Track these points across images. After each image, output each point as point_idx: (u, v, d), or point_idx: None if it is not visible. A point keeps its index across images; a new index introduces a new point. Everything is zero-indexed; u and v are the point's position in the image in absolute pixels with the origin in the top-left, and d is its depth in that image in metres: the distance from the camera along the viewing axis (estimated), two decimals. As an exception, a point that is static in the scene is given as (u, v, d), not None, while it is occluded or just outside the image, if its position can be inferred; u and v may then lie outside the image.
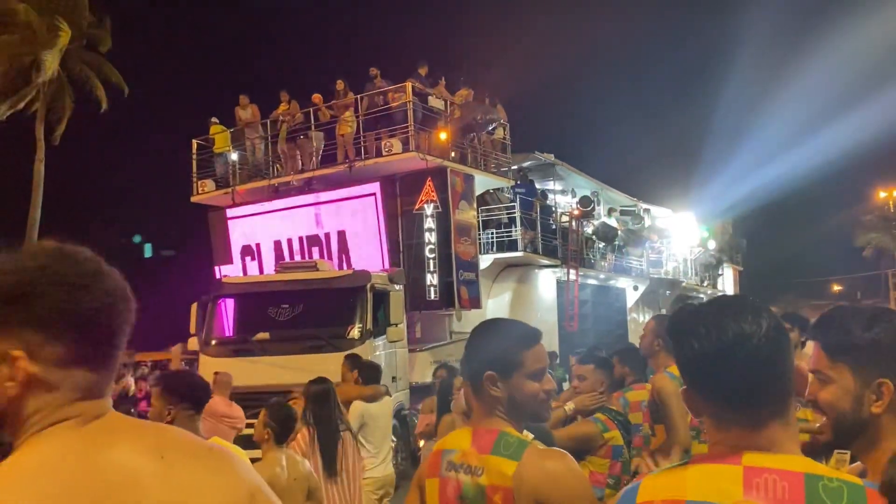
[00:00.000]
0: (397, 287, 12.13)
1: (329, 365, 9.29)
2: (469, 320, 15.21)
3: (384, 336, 10.81)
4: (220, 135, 15.58)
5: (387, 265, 13.11)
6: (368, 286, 10.84)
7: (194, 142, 15.85)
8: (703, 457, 1.30)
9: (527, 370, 2.12)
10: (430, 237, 13.62)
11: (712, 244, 25.56)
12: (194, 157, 15.87)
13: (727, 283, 28.14)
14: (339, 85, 14.21)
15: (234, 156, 15.57)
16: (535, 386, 2.13)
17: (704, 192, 25.31)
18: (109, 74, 20.91)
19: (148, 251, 30.06)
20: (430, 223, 13.61)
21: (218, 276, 14.08)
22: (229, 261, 14.99)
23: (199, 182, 15.74)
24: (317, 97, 14.21)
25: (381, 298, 10.97)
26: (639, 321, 22.24)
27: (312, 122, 14.33)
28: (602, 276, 19.79)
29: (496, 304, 16.28)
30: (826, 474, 1.21)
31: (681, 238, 24.13)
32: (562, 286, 17.72)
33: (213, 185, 15.60)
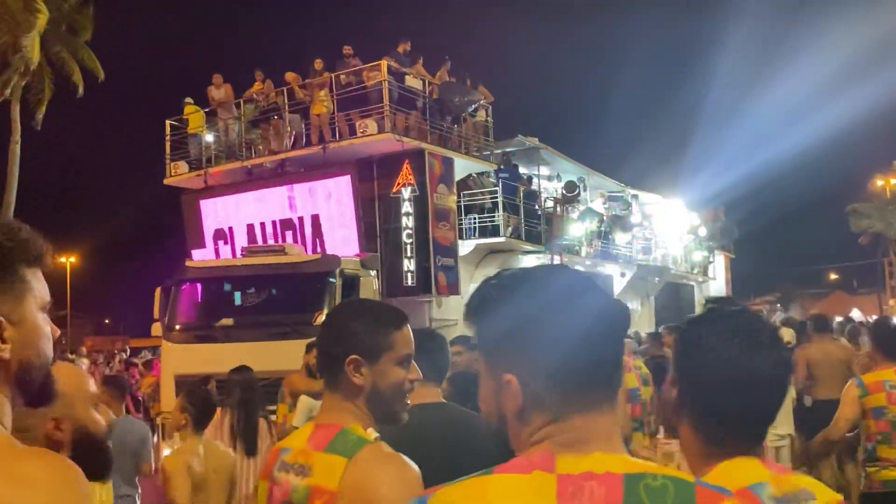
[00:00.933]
0: (371, 272, 11.78)
1: (295, 352, 8.99)
2: (449, 307, 14.88)
3: (354, 323, 10.43)
4: (193, 115, 15.12)
5: (361, 250, 12.73)
6: (337, 271, 10.48)
7: (167, 122, 15.39)
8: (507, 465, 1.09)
9: (396, 354, 1.91)
10: (408, 222, 13.22)
11: (703, 231, 25.18)
12: (167, 138, 15.42)
13: (718, 270, 27.79)
14: (318, 64, 13.76)
15: (210, 137, 15.14)
16: (401, 374, 1.90)
17: (695, 179, 24.93)
18: (87, 60, 20.40)
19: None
20: (407, 207, 13.21)
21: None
22: (202, 245, 14.59)
23: (172, 164, 15.31)
24: (291, 75, 13.77)
25: (351, 284, 10.61)
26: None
27: (286, 101, 13.88)
28: (588, 262, 19.42)
29: (478, 290, 15.92)
30: (650, 471, 1.06)
31: (670, 225, 23.75)
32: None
33: (187, 167, 15.17)
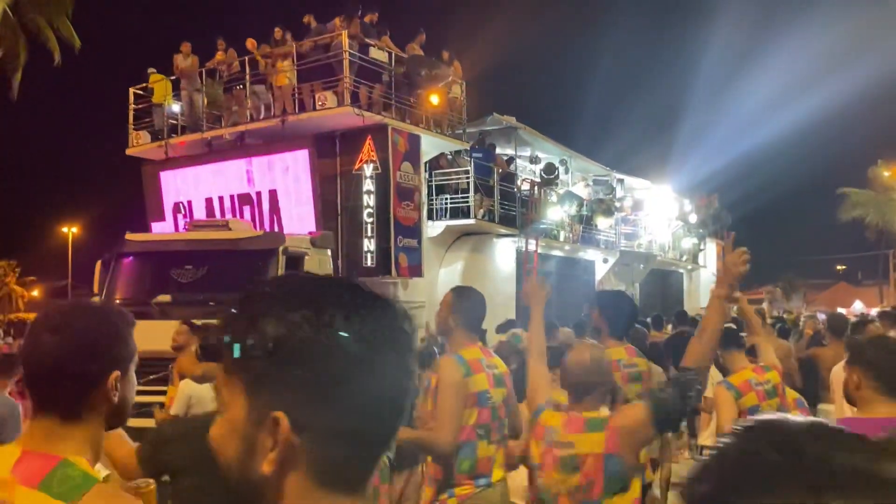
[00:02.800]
0: (325, 251, 11.32)
1: None
2: (416, 289, 14.44)
3: (297, 304, 10.01)
4: (158, 84, 14.62)
5: (318, 228, 12.26)
6: (280, 249, 10.02)
7: (131, 91, 14.90)
8: None
9: (135, 362, 1.55)
10: (369, 200, 12.75)
11: (693, 217, 24.63)
12: (131, 107, 14.94)
13: (710, 258, 27.26)
14: (277, 33, 13.22)
15: (176, 107, 14.65)
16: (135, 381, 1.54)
17: (684, 163, 24.30)
18: (62, 28, 19.88)
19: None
20: (368, 185, 12.74)
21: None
22: (162, 217, 14.17)
23: (135, 133, 14.84)
24: (250, 42, 13.23)
25: (297, 263, 10.15)
26: (610, 295, 21.45)
27: (248, 71, 13.37)
28: (567, 247, 18.94)
29: (448, 273, 15.46)
30: None
31: (658, 211, 23.22)
32: (521, 257, 16.90)
33: (149, 137, 14.70)
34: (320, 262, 11.07)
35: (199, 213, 13.65)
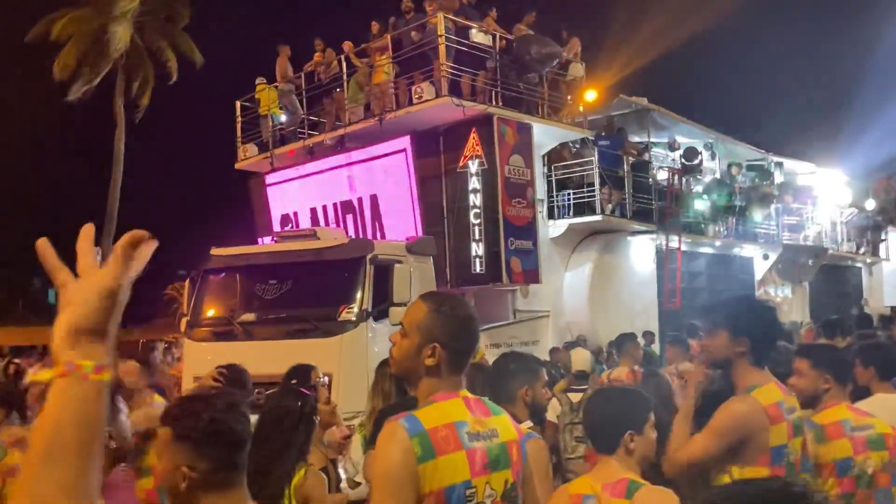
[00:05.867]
0: (425, 258, 10.16)
1: (317, 352, 7.63)
2: (538, 297, 12.99)
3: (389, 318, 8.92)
4: (263, 93, 14.17)
5: (420, 232, 11.15)
6: (368, 258, 8.95)
7: (237, 103, 14.56)
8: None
9: None
10: (475, 199, 11.48)
11: (871, 204, 21.30)
12: (238, 119, 14.60)
13: (892, 250, 23.58)
14: (374, 27, 12.29)
15: (283, 117, 14.14)
16: None
17: (857, 143, 21.00)
18: (183, 46, 20.28)
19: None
20: (474, 183, 11.47)
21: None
22: (270, 231, 13.62)
23: (242, 147, 14.48)
24: (348, 45, 12.39)
25: (386, 273, 9.05)
26: (773, 295, 18.88)
27: (344, 71, 12.53)
28: (718, 243, 16.67)
29: (575, 277, 13.86)
30: None
31: (827, 198, 20.22)
32: (663, 256, 14.95)
33: (256, 149, 14.28)
34: (419, 271, 9.92)
35: (305, 225, 12.96)
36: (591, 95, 14.32)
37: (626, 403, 2.47)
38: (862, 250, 21.82)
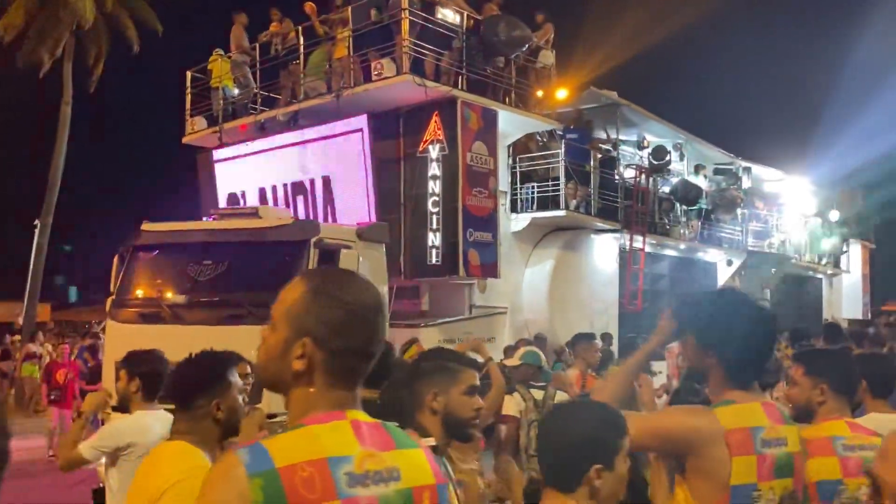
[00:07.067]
0: (380, 246, 9.50)
1: (252, 341, 6.93)
2: (497, 292, 12.42)
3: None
4: (215, 64, 13.33)
5: (374, 218, 10.48)
6: (313, 241, 8.27)
7: (188, 73, 13.70)
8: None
9: None
10: (434, 187, 10.85)
11: (835, 215, 21.15)
12: (188, 91, 13.74)
13: (853, 262, 23.54)
14: (337, -3, 11.55)
15: (235, 90, 13.31)
16: None
17: (825, 152, 20.84)
18: (144, 14, 19.23)
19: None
20: (434, 169, 10.84)
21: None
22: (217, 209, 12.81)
23: (191, 120, 13.64)
24: (309, 6, 11.59)
25: (332, 258, 8.38)
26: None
27: (301, 43, 11.77)
28: (683, 246, 16.29)
29: (536, 274, 13.32)
30: None
31: (792, 206, 20.02)
32: (626, 256, 14.51)
33: (205, 123, 13.45)
34: (370, 259, 9.25)
35: (254, 205, 12.19)
36: (561, 94, 13.81)
37: (595, 426, 1.83)
38: (824, 261, 21.69)
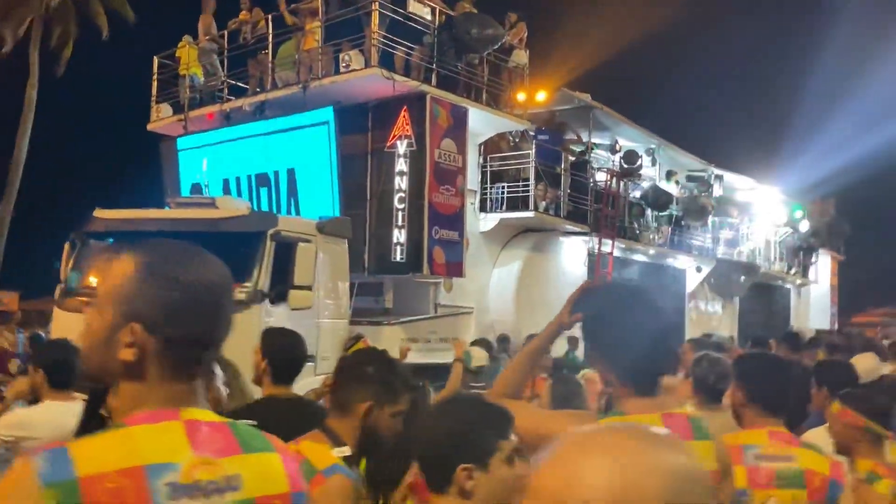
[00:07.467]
0: (342, 241, 9.33)
1: None
2: (463, 292, 12.27)
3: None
4: (184, 51, 13.05)
5: (338, 212, 10.29)
6: (270, 233, 8.07)
7: (155, 59, 13.41)
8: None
9: None
10: (401, 182, 10.67)
11: (805, 225, 21.30)
12: (154, 77, 13.45)
13: (822, 273, 23.74)
14: (308, -13, 11.34)
15: (203, 78, 13.04)
16: None
17: (797, 161, 20.97)
18: (115, 4, 18.86)
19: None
20: (401, 165, 10.66)
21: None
22: (180, 200, 12.53)
23: (156, 107, 13.35)
24: (279, -8, 11.38)
25: (289, 251, 8.19)
26: (703, 309, 18.69)
27: (271, 32, 11.55)
28: (653, 251, 16.28)
29: (504, 275, 13.19)
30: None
31: (763, 215, 20.12)
32: (595, 260, 14.47)
33: (171, 110, 13.17)
34: (331, 254, 9.08)
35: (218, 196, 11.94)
36: (535, 95, 13.71)
37: (467, 423, 1.67)
38: (793, 271, 21.84)
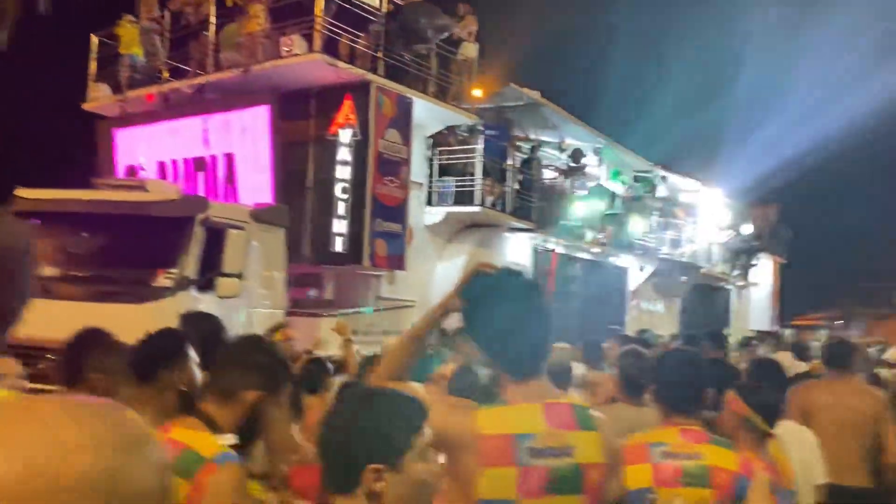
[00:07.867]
0: (279, 230, 9.11)
1: (125, 320, 6.45)
2: (406, 285, 12.14)
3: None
4: (124, 30, 12.60)
5: (277, 201, 10.06)
6: (199, 218, 7.82)
7: (93, 38, 12.93)
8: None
9: None
10: (343, 172, 10.48)
11: (748, 229, 21.71)
12: (92, 56, 12.97)
13: (763, 275, 24.23)
14: (254, -31, 11.04)
15: (144, 59, 12.62)
16: None
17: (739, 164, 21.37)
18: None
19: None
20: (344, 154, 10.47)
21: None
22: (115, 183, 12.12)
23: (93, 86, 12.88)
24: (221, -25, 11.09)
25: (219, 238, 7.95)
26: (644, 308, 18.90)
27: (213, 13, 11.23)
28: (596, 250, 16.38)
29: (448, 270, 13.08)
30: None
31: (707, 217, 20.43)
32: (539, 257, 14.51)
33: (109, 90, 12.72)
34: (266, 242, 8.85)
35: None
36: (482, 90, 13.65)
37: (373, 419, 1.50)
38: (735, 273, 22.24)
